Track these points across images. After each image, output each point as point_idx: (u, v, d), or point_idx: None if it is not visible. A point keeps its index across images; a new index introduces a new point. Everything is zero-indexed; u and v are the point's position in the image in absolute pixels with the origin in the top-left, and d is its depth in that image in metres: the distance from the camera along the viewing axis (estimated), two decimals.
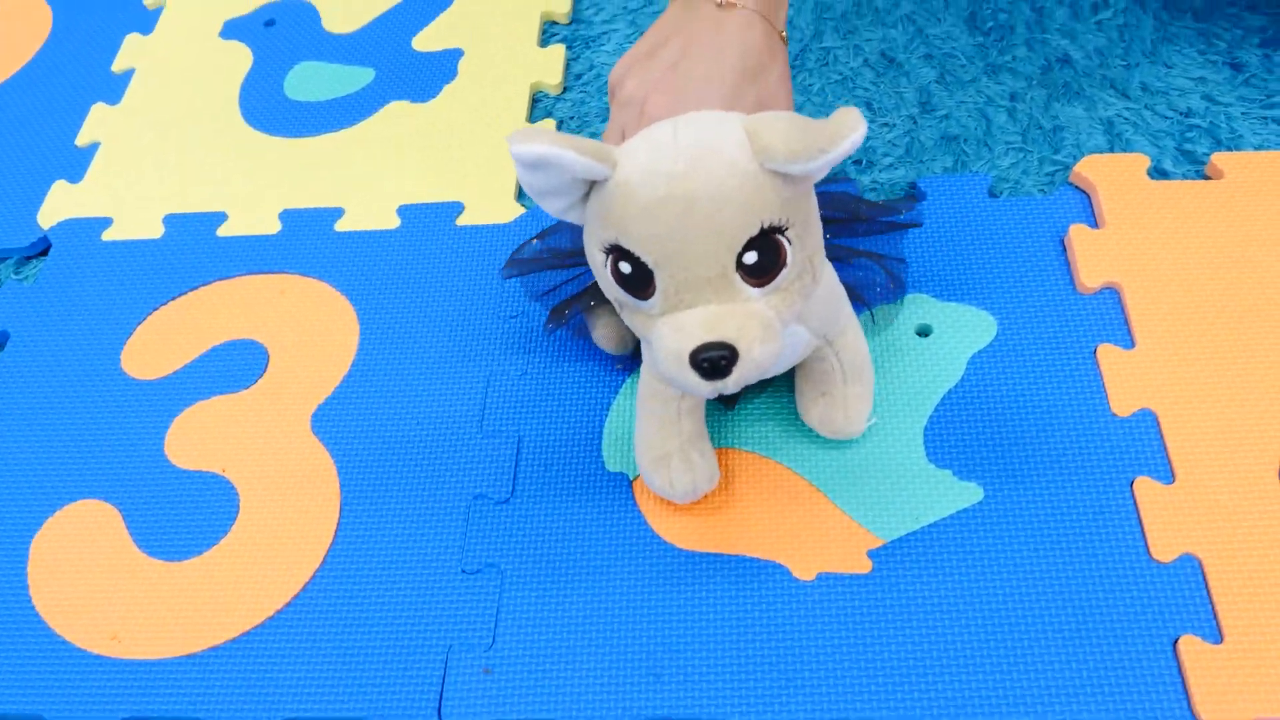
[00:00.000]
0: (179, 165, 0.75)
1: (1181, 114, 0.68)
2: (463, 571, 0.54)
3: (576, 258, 0.57)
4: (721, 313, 0.41)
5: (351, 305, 0.65)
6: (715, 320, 0.40)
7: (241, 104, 0.79)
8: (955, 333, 0.59)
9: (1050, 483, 0.53)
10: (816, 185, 0.44)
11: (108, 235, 0.71)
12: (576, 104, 0.75)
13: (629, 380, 0.60)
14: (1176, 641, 0.48)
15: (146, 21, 0.86)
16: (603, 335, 0.58)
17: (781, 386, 0.58)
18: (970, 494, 0.53)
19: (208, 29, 0.85)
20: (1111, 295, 0.59)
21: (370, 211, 0.70)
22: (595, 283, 0.55)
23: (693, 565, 0.53)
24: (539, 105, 0.76)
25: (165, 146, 0.77)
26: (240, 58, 0.82)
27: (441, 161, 0.72)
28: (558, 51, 0.78)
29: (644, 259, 0.40)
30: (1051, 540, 0.51)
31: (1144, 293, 0.59)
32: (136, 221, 0.72)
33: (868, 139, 0.70)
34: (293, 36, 0.83)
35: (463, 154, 0.72)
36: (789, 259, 0.41)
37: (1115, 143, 0.67)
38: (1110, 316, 0.59)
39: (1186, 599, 0.49)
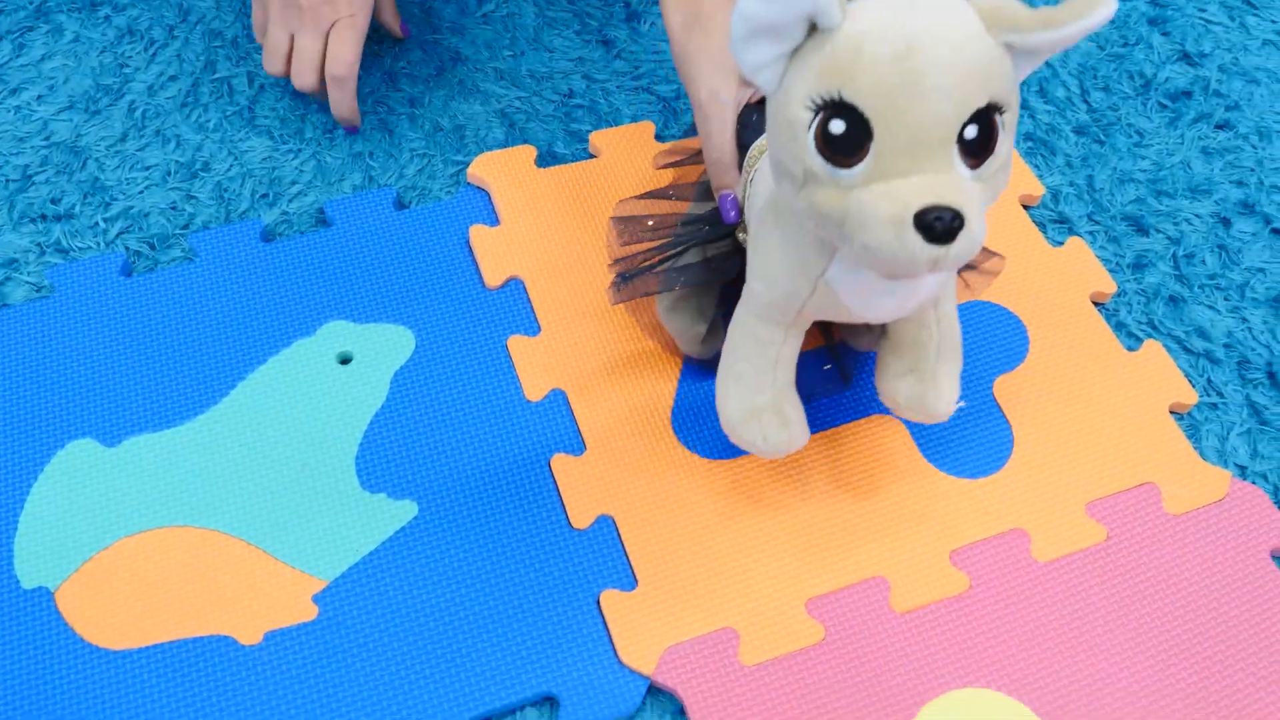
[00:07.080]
0: None
1: (565, 96, 0.80)
2: None
3: (677, 229, 0.62)
4: (942, 180, 0.42)
5: None
6: (937, 186, 0.41)
7: None
8: (376, 354, 0.66)
9: (478, 478, 0.62)
10: None
11: None
12: None
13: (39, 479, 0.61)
14: (599, 597, 0.58)
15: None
16: (677, 324, 0.63)
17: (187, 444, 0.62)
18: (405, 511, 0.60)
19: None
20: (517, 286, 0.69)
21: None
22: (684, 265, 0.60)
23: (131, 666, 0.55)
24: None
25: None
26: None
27: None
28: None
29: (866, 114, 0.41)
30: (485, 532, 0.60)
31: (543, 280, 0.69)
32: None
33: (274, 167, 0.75)
34: None
35: None
36: (999, 145, 0.43)
37: (512, 134, 0.77)
38: (518, 308, 0.68)
39: (605, 557, 0.59)
